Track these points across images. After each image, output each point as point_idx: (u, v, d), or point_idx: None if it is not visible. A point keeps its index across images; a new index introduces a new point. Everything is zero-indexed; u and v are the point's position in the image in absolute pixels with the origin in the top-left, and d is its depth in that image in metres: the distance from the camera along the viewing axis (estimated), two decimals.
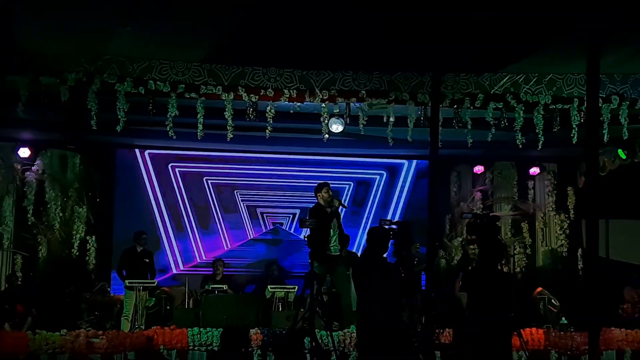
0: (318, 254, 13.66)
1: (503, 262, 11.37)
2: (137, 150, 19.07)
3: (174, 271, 19.09)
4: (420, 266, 16.01)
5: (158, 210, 19.24)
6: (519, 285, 17.59)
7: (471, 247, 10.41)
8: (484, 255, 10.18)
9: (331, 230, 14.15)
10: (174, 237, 19.33)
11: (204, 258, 19.31)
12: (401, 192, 20.25)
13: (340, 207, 14.38)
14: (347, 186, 20.01)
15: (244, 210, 19.69)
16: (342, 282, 14.30)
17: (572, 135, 14.48)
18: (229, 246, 19.58)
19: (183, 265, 19.21)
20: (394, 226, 10.38)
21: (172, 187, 19.37)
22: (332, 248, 14.16)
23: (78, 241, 18.09)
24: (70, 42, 12.87)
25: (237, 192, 19.67)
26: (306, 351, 13.22)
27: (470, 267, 10.36)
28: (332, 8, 11.07)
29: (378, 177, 20.21)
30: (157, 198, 19.27)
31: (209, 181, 19.57)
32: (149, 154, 19.16)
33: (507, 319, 10.06)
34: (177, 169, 19.38)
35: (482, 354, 9.89)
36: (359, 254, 16.72)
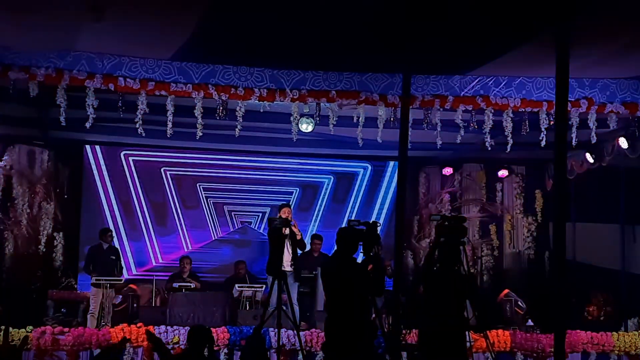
0: (269, 268, 14.02)
1: (469, 264, 11.39)
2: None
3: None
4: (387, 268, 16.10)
5: (140, 207, 19.28)
6: (477, 287, 17.67)
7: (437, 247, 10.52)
8: (446, 257, 10.21)
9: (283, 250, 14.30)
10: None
11: (159, 261, 19.38)
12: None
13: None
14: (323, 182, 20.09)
15: (209, 207, 19.67)
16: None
17: (540, 138, 14.55)
18: (190, 247, 19.60)
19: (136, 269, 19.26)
20: (362, 226, 10.39)
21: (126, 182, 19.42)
22: (284, 264, 14.37)
23: (45, 237, 18.03)
24: (39, 36, 12.78)
25: (201, 187, 19.66)
26: (273, 350, 13.27)
27: (430, 269, 10.34)
28: (303, 7, 11.07)
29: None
30: (139, 195, 19.29)
31: (170, 174, 19.57)
32: (125, 154, 19.21)
33: (461, 320, 10.11)
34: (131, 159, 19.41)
35: (436, 355, 9.95)
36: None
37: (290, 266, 14.52)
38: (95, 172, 19.14)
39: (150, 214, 19.48)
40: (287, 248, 14.34)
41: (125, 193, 19.36)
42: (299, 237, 14.82)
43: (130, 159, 19.35)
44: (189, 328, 11.06)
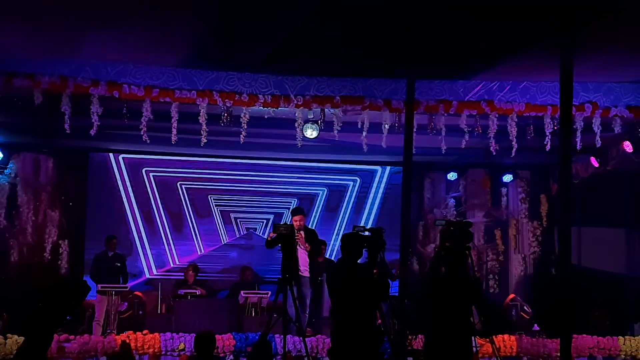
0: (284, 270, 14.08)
1: (475, 269, 11.36)
2: (110, 154, 19.02)
3: (147, 276, 19.00)
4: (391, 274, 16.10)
5: (132, 214, 19.20)
6: (483, 293, 17.67)
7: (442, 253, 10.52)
8: (452, 262, 10.20)
9: (297, 253, 14.43)
10: (148, 242, 19.31)
11: (177, 263, 19.27)
12: (374, 198, 20.35)
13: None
14: (321, 192, 20.05)
15: (217, 215, 19.65)
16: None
17: (545, 142, 14.54)
18: (202, 251, 19.53)
19: (156, 270, 19.15)
20: (367, 232, 10.38)
21: (146, 191, 19.33)
22: (301, 267, 14.59)
23: (50, 245, 17.98)
24: (44, 44, 12.80)
25: (210, 197, 19.64)
26: (278, 356, 13.25)
27: (436, 274, 10.35)
28: (307, 14, 11.07)
29: (352, 182, 20.25)
30: (131, 202, 19.23)
31: (183, 186, 19.52)
32: (123, 158, 19.10)
33: (467, 326, 10.09)
34: (151, 174, 19.33)
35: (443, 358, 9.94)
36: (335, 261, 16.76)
37: (307, 271, 14.58)
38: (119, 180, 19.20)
39: (167, 218, 19.51)
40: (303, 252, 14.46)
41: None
42: (308, 249, 14.76)
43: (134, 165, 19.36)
44: (195, 334, 11.07)
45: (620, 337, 14.70)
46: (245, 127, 14.24)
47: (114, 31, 11.99)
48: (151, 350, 13.36)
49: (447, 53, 12.59)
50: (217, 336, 12.70)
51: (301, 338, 13.16)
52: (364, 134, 14.69)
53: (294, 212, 14.95)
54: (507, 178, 19.72)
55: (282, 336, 12.76)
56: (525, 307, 16.92)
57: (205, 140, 14.24)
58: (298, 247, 14.42)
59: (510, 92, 14.38)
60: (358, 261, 9.93)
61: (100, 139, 15.24)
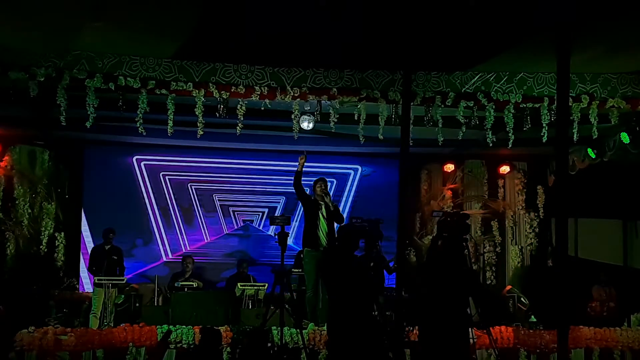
0: (306, 240, 13.87)
1: (472, 260, 11.36)
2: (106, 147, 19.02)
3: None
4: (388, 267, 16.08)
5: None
6: (480, 284, 17.68)
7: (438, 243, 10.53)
8: (449, 254, 10.21)
9: (319, 223, 14.17)
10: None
11: (169, 256, 19.31)
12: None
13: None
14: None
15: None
16: None
17: (542, 134, 14.53)
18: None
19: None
20: (365, 224, 10.37)
21: (138, 184, 19.34)
22: (322, 240, 14.23)
23: (46, 238, 17.99)
24: (39, 36, 12.78)
25: (204, 190, 19.67)
26: (275, 348, 13.24)
27: (432, 265, 10.35)
28: (304, 4, 11.06)
29: (352, 172, 20.22)
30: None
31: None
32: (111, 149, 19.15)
33: (464, 317, 10.09)
34: (142, 163, 19.39)
35: (440, 351, 9.94)
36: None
37: (327, 242, 14.25)
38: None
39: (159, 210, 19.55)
40: (323, 223, 14.17)
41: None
42: (332, 208, 14.42)
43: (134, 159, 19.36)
44: (198, 327, 11.05)
45: (617, 329, 14.70)
46: (242, 118, 14.22)
47: (110, 23, 11.96)
48: (148, 342, 13.33)
49: (444, 44, 12.57)
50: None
51: (298, 330, 13.15)
52: (361, 125, 14.67)
53: (317, 181, 14.60)
54: (504, 169, 19.73)
55: (279, 328, 12.76)
56: (522, 299, 16.92)
57: (202, 132, 14.22)
58: (322, 217, 14.22)
59: (507, 83, 14.37)
60: (354, 252, 9.95)
61: (96, 131, 15.23)
